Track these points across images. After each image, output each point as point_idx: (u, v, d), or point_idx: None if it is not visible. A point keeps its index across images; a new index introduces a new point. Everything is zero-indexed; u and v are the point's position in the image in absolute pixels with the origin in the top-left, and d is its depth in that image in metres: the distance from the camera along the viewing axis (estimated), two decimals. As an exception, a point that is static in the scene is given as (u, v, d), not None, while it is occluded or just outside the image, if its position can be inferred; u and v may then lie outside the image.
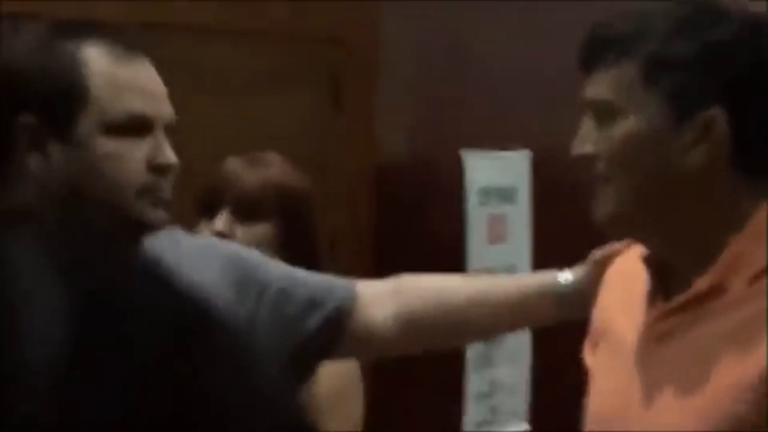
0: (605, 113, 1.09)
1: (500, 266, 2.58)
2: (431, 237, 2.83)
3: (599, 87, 1.09)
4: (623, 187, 1.08)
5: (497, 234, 2.65)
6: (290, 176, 1.79)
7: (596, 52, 1.10)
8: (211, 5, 2.87)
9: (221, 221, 1.72)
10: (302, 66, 2.97)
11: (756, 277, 1.06)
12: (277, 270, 1.42)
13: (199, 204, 1.77)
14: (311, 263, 1.54)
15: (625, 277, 1.17)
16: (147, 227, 1.26)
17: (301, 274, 1.43)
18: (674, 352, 1.07)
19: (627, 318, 1.13)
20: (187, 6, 2.82)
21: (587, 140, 1.10)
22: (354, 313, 1.39)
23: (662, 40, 1.07)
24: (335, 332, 1.39)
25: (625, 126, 1.08)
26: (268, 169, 1.79)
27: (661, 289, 1.10)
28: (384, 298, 1.40)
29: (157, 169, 1.24)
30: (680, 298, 1.09)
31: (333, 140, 2.97)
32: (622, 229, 1.13)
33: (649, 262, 1.11)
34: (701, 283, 1.07)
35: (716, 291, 1.07)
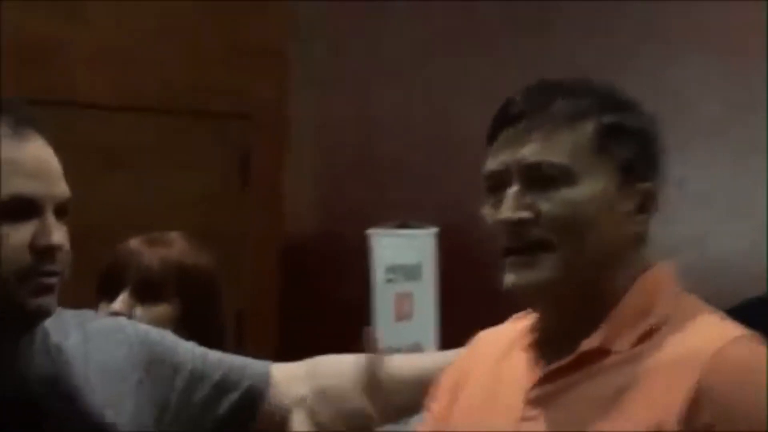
0: (546, 178, 1.08)
1: (406, 344, 2.58)
2: (338, 313, 2.81)
3: (546, 150, 1.07)
4: (569, 254, 1.06)
5: (403, 311, 2.65)
6: (191, 256, 1.79)
7: (533, 115, 1.08)
8: (122, 83, 2.86)
9: (120, 301, 1.70)
10: (211, 142, 2.96)
11: (643, 339, 1.07)
12: (190, 351, 1.39)
13: (100, 284, 1.74)
14: (214, 343, 1.51)
15: (497, 341, 1.16)
16: (30, 315, 1.19)
17: (214, 355, 1.40)
18: (555, 415, 1.07)
19: (503, 382, 1.12)
20: (94, 83, 2.80)
21: (519, 205, 1.08)
22: (267, 393, 1.36)
23: (616, 109, 1.10)
24: (248, 414, 1.35)
25: (578, 191, 1.07)
26: (169, 249, 1.78)
27: (543, 355, 1.10)
28: (299, 378, 1.37)
29: (40, 251, 1.18)
30: (565, 360, 1.08)
31: (240, 215, 2.95)
32: (551, 296, 1.09)
33: (539, 329, 1.12)
34: (586, 345, 1.07)
35: (603, 352, 1.07)
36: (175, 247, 1.76)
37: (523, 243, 1.07)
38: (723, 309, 1.13)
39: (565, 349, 1.08)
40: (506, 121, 1.09)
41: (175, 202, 2.78)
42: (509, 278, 1.07)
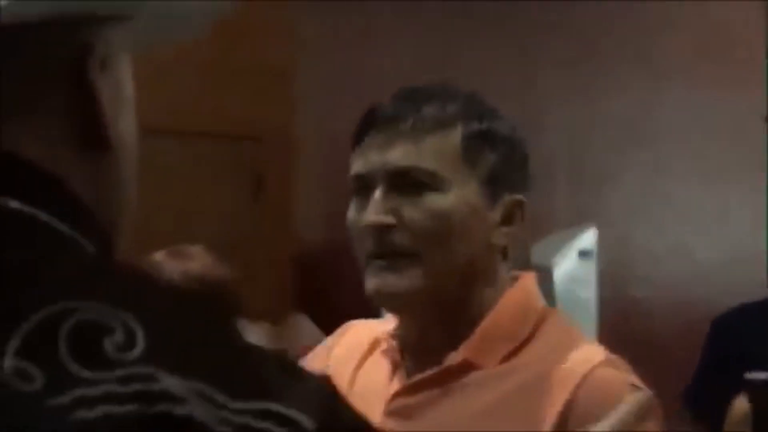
0: (412, 183, 1.04)
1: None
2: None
3: (414, 155, 1.03)
4: (432, 263, 1.02)
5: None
6: (211, 268, 1.84)
7: (402, 120, 1.04)
8: (143, 106, 2.98)
9: None
10: (224, 162, 3.09)
11: (509, 356, 1.04)
12: None
13: (122, 297, 1.83)
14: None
15: (363, 338, 1.12)
16: None
17: None
18: (418, 427, 1.03)
19: (362, 387, 1.07)
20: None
21: (383, 209, 1.03)
22: None
23: (482, 117, 1.06)
24: None
25: (446, 199, 1.03)
26: (190, 262, 1.83)
27: (404, 364, 1.06)
28: None
29: None
30: (429, 373, 1.04)
31: (253, 231, 3.06)
32: (413, 305, 1.05)
33: (401, 337, 1.07)
34: (452, 359, 1.04)
35: (468, 367, 1.04)
36: (196, 260, 1.85)
37: (387, 249, 1.02)
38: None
39: (427, 361, 1.04)
40: (374, 124, 1.05)
41: (192, 219, 2.90)
42: (371, 282, 1.03)
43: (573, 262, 2.64)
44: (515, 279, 1.08)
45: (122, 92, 0.65)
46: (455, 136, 1.05)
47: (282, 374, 0.55)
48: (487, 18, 3.17)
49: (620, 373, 1.02)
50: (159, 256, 1.84)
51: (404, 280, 1.02)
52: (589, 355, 1.04)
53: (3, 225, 0.57)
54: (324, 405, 0.55)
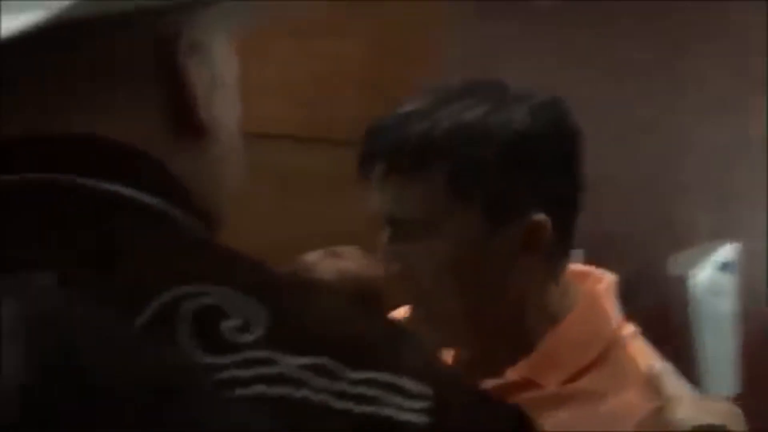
0: (407, 230, 0.95)
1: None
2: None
3: (397, 204, 0.95)
4: (445, 311, 0.96)
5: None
6: (366, 267, 1.88)
7: (386, 159, 0.95)
8: (295, 114, 3.17)
9: None
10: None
11: (569, 380, 0.97)
12: None
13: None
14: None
15: None
16: None
17: None
18: None
19: None
20: (272, 114, 3.12)
21: (389, 256, 0.97)
22: None
23: (471, 142, 0.93)
24: None
25: (438, 244, 0.94)
26: (345, 261, 1.91)
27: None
28: None
29: None
30: (491, 383, 0.96)
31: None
32: (459, 345, 1.02)
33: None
34: (511, 375, 0.98)
35: (530, 384, 0.98)
36: (351, 260, 1.91)
37: (403, 299, 0.97)
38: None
39: (485, 372, 0.97)
40: (369, 158, 0.97)
41: (340, 227, 3.06)
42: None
43: (712, 274, 2.63)
44: (588, 290, 1.00)
45: (218, 75, 0.61)
46: (438, 177, 0.94)
47: (404, 347, 0.54)
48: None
49: (692, 413, 0.88)
50: (314, 256, 1.93)
51: (434, 334, 0.95)
52: (658, 391, 0.91)
53: (120, 209, 0.56)
54: (446, 379, 0.54)
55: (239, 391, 0.50)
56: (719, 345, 2.60)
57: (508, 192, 0.95)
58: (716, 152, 3.19)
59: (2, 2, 0.53)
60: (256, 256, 0.58)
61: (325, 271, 1.88)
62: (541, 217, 0.95)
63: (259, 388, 0.50)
